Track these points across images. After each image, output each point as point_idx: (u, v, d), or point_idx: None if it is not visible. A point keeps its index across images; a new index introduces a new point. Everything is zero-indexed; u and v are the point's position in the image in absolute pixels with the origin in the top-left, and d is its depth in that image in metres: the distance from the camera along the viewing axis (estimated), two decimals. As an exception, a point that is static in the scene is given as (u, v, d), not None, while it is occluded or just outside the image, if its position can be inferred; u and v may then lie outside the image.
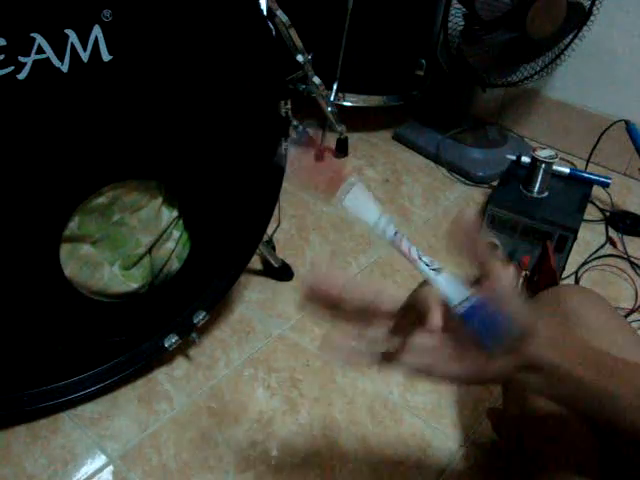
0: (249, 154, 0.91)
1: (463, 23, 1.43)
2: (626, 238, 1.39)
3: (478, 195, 1.54)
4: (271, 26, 0.86)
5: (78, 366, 0.90)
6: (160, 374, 0.98)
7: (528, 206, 1.25)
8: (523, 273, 1.13)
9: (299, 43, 1.39)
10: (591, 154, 1.57)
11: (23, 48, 0.62)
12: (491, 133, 1.72)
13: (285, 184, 0.98)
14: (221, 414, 0.93)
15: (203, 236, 0.94)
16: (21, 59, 0.62)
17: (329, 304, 0.51)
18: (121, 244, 0.85)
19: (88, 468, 0.84)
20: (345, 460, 0.88)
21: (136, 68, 0.72)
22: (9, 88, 0.63)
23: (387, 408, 0.96)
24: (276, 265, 1.18)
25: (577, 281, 1.26)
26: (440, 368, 0.49)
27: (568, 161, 1.70)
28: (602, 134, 1.51)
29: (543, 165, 1.25)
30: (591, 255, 1.33)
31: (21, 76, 0.63)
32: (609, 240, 1.39)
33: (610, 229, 1.43)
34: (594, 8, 1.45)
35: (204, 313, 0.97)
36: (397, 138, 1.76)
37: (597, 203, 1.51)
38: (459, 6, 1.41)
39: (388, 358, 0.50)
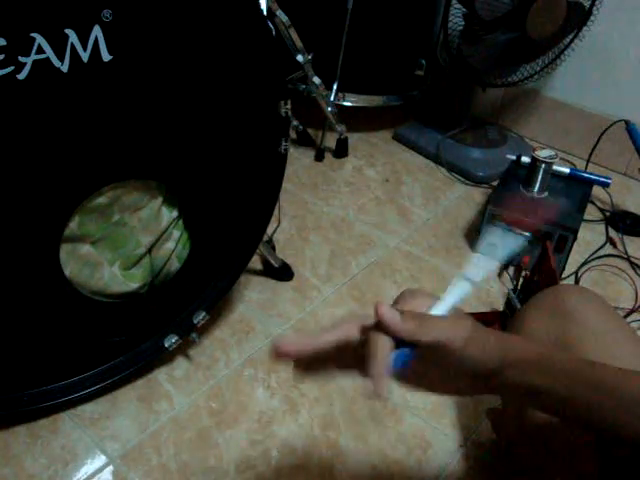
0: (249, 154, 0.91)
1: (463, 23, 1.43)
2: (626, 238, 1.39)
3: (478, 195, 1.55)
4: (271, 26, 0.86)
5: (78, 366, 0.90)
6: (160, 374, 0.98)
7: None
8: (523, 273, 1.13)
9: (299, 43, 1.39)
10: (591, 154, 1.57)
11: (23, 48, 0.62)
12: (491, 133, 1.72)
13: (285, 184, 0.98)
14: (221, 414, 0.93)
15: (203, 236, 0.94)
16: (21, 59, 0.62)
17: (308, 360, 0.52)
18: (121, 244, 0.85)
19: (88, 468, 0.84)
20: (345, 460, 0.88)
21: (136, 68, 0.72)
22: (9, 88, 0.63)
23: (387, 408, 0.96)
24: (276, 265, 1.18)
25: (577, 281, 1.26)
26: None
27: (568, 161, 1.70)
28: (602, 134, 1.51)
29: (543, 165, 1.25)
30: (591, 255, 1.33)
31: (21, 76, 0.63)
32: (609, 240, 1.39)
33: (610, 229, 1.43)
34: (594, 8, 1.45)
35: (204, 313, 0.97)
36: (397, 138, 1.76)
37: (597, 203, 1.51)
38: (459, 6, 1.41)
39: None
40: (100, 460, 0.86)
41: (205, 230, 0.94)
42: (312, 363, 0.53)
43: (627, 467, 0.58)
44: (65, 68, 0.65)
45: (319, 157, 1.63)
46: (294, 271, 1.21)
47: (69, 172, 0.73)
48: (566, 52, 1.53)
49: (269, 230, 1.23)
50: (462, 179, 1.60)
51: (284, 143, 0.92)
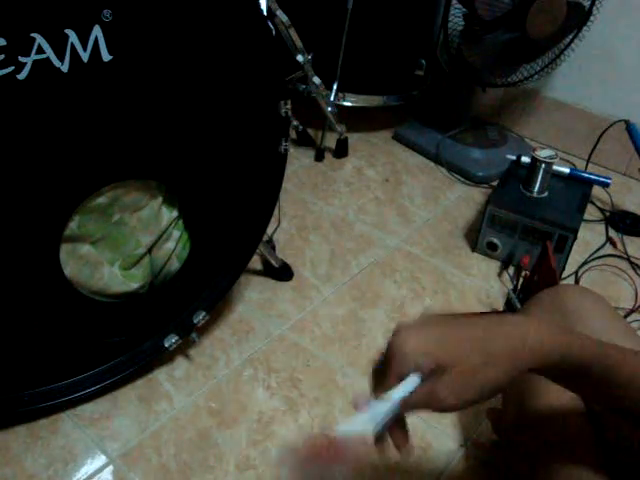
0: (249, 154, 0.91)
1: (463, 23, 1.43)
2: (626, 238, 1.39)
3: (478, 195, 1.55)
4: (271, 26, 0.86)
5: (78, 366, 0.90)
6: (160, 374, 0.98)
7: (528, 206, 1.25)
8: (523, 273, 1.13)
9: (299, 43, 1.39)
10: (591, 154, 1.57)
11: (23, 48, 0.62)
12: (491, 133, 1.72)
13: (285, 184, 0.98)
14: (221, 414, 0.93)
15: (203, 236, 0.94)
16: (21, 59, 0.62)
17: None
18: (121, 244, 0.85)
19: (88, 468, 0.84)
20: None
21: (136, 68, 0.72)
22: (9, 88, 0.63)
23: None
24: (276, 265, 1.18)
25: (577, 281, 1.26)
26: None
27: (568, 161, 1.70)
28: (602, 134, 1.51)
29: (543, 165, 1.25)
30: (591, 255, 1.33)
31: (21, 76, 0.63)
32: (609, 240, 1.39)
33: (610, 229, 1.43)
34: (594, 8, 1.45)
35: (204, 313, 0.97)
36: (397, 138, 1.77)
37: (597, 203, 1.51)
38: (459, 6, 1.41)
39: None
40: (100, 460, 0.86)
41: (205, 230, 0.94)
42: None
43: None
44: (65, 68, 0.65)
45: (319, 157, 1.63)
46: (294, 271, 1.21)
47: (69, 172, 0.73)
48: (566, 52, 1.53)
49: (269, 230, 1.23)
50: (462, 179, 1.60)
51: (284, 143, 0.93)
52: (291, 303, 1.15)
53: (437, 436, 0.92)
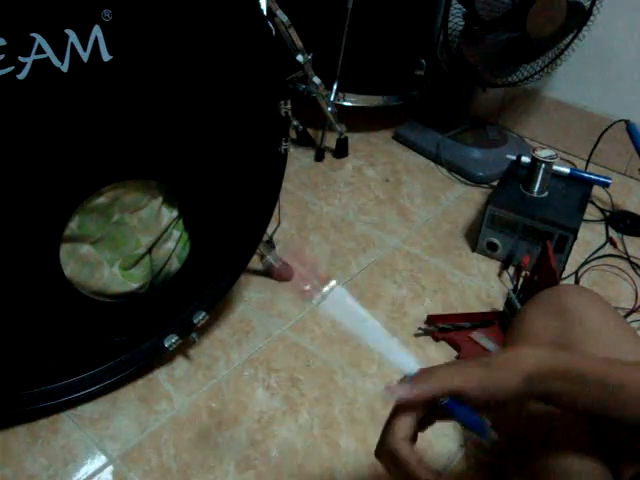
0: (249, 154, 0.91)
1: (463, 23, 1.43)
2: (626, 238, 1.39)
3: (478, 195, 1.55)
4: (271, 26, 0.86)
5: (78, 366, 0.90)
6: (160, 374, 0.98)
7: (528, 206, 1.25)
8: (523, 273, 1.13)
9: (299, 43, 1.39)
10: (591, 154, 1.57)
11: (23, 48, 0.62)
12: (491, 133, 1.72)
13: (285, 184, 0.98)
14: (221, 414, 0.93)
15: (203, 236, 0.94)
16: (21, 59, 0.62)
17: None
18: (121, 244, 0.85)
19: (88, 468, 0.84)
20: (345, 460, 0.88)
21: (136, 68, 0.72)
22: (9, 88, 0.63)
23: (387, 408, 0.96)
24: (276, 265, 1.18)
25: (577, 281, 1.26)
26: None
27: (568, 161, 1.70)
28: (602, 134, 1.51)
29: (543, 165, 1.25)
30: (591, 255, 1.33)
31: (21, 76, 0.63)
32: (609, 240, 1.39)
33: (610, 229, 1.43)
34: (594, 8, 1.45)
35: (204, 313, 0.97)
36: (397, 138, 1.76)
37: (597, 203, 1.51)
38: (459, 6, 1.41)
39: None
40: (100, 460, 0.86)
41: (205, 230, 0.94)
42: None
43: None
44: (65, 68, 0.65)
45: (319, 157, 1.63)
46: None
47: (69, 172, 0.73)
48: (566, 52, 1.53)
49: (269, 230, 1.23)
50: (462, 179, 1.59)
51: (284, 143, 0.93)
52: (291, 303, 1.15)
53: (437, 436, 0.92)
